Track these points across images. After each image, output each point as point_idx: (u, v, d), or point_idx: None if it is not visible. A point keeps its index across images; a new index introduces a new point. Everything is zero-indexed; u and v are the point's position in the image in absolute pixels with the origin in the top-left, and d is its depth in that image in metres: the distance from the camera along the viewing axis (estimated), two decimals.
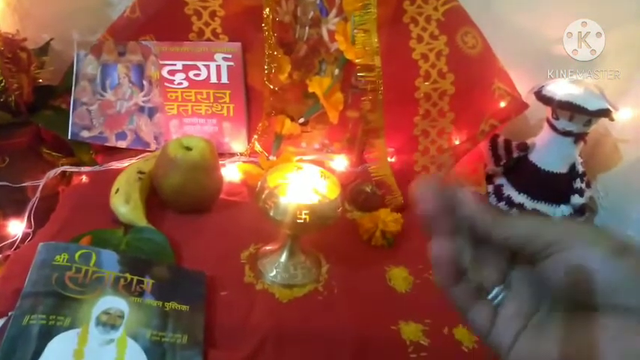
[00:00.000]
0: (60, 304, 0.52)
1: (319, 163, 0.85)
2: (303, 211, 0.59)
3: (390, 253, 0.74)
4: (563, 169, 0.92)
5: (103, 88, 0.87)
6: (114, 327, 0.52)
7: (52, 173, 0.80)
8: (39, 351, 0.47)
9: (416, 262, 0.72)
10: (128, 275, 0.57)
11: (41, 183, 0.80)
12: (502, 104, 0.86)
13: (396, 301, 0.66)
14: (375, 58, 0.78)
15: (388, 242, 0.74)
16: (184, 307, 0.57)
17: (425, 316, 0.64)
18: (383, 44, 0.79)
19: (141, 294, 0.56)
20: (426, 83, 0.82)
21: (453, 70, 0.82)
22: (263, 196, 0.61)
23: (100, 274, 0.56)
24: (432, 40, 0.81)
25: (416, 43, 0.81)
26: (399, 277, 0.69)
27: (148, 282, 0.58)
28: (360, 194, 0.81)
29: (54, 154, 0.84)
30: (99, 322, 0.52)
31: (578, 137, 0.89)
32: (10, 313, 0.52)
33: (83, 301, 0.53)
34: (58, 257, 0.56)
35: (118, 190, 0.71)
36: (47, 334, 0.49)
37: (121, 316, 0.53)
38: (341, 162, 0.90)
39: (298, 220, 0.59)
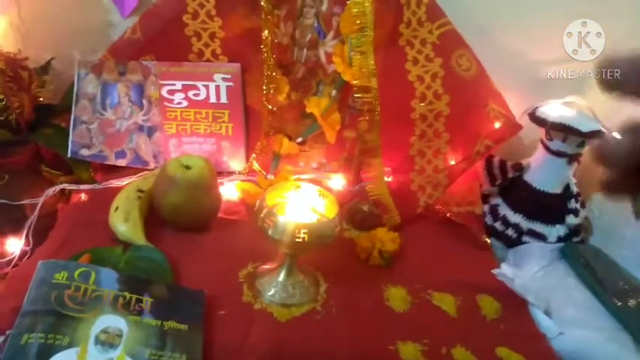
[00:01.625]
0: (59, 322, 0.52)
1: (317, 182, 0.86)
2: (302, 230, 0.59)
3: (388, 272, 0.74)
4: (557, 189, 0.93)
5: (103, 107, 0.88)
6: (112, 346, 0.52)
7: (51, 191, 0.81)
8: None
9: (414, 282, 0.73)
10: (127, 294, 0.57)
11: (40, 201, 0.80)
12: (497, 125, 0.88)
13: (393, 320, 0.67)
14: (371, 80, 0.79)
15: (386, 262, 0.75)
16: (183, 327, 0.57)
17: (423, 336, 0.64)
18: (379, 66, 0.80)
19: (140, 313, 0.56)
20: (422, 104, 0.83)
21: (448, 92, 0.83)
22: (262, 214, 0.62)
23: (99, 293, 0.56)
24: (427, 62, 0.83)
25: (412, 65, 0.83)
26: (396, 297, 0.70)
27: (147, 301, 0.58)
28: (357, 213, 0.82)
29: (53, 172, 0.85)
30: (98, 341, 0.52)
31: (572, 158, 0.91)
32: (7, 332, 0.52)
33: (82, 320, 0.53)
34: (57, 275, 0.56)
35: (117, 208, 0.72)
36: (46, 353, 0.49)
37: (120, 335, 0.53)
38: (338, 181, 0.91)
39: (297, 240, 0.59)
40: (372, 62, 0.79)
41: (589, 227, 0.98)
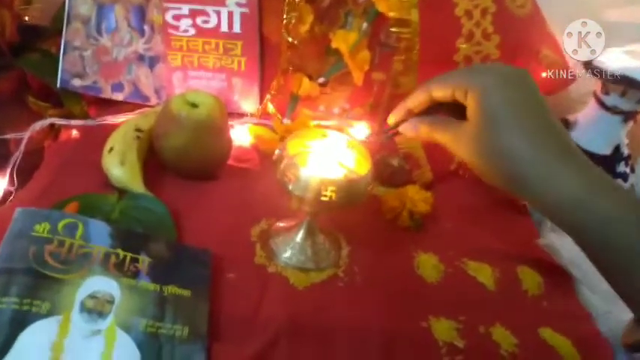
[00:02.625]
0: (37, 284, 0.43)
1: (337, 130, 0.76)
2: (329, 188, 0.50)
3: (418, 236, 0.66)
4: (606, 150, 0.83)
5: (99, 32, 0.77)
6: (101, 315, 0.44)
7: (38, 125, 0.71)
8: (8, 343, 0.39)
9: (446, 248, 0.64)
10: (120, 251, 0.49)
11: (25, 136, 0.70)
12: (549, 74, 0.77)
13: (425, 292, 0.58)
14: (412, 12, 0.68)
15: (416, 224, 0.66)
16: (185, 292, 0.49)
17: (458, 311, 0.56)
18: None
19: (135, 275, 0.48)
20: (466, 45, 0.72)
21: (499, 32, 0.71)
22: (281, 166, 0.52)
23: (87, 250, 0.47)
24: None
25: None
26: (427, 265, 0.61)
27: (144, 260, 0.49)
28: (386, 168, 0.72)
29: (41, 103, 0.74)
30: (84, 308, 0.43)
31: (629, 116, 0.80)
32: None
33: (65, 282, 0.44)
34: (37, 227, 0.47)
35: (112, 148, 0.62)
36: (20, 321, 0.40)
37: (111, 302, 0.45)
38: (362, 130, 0.80)
39: (322, 198, 0.50)
40: None
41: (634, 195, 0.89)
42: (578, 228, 0.37)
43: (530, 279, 0.64)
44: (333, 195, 0.50)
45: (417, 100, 0.45)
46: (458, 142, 0.41)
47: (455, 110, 0.43)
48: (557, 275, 0.64)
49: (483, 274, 0.62)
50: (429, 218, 0.68)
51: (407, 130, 0.47)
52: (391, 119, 0.48)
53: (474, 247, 0.66)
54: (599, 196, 0.36)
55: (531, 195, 0.38)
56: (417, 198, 0.66)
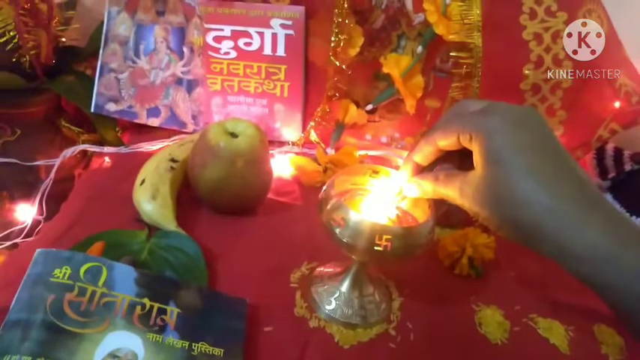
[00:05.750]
0: (53, 340, 0.38)
1: (384, 161, 0.70)
2: (384, 236, 0.43)
3: (479, 286, 0.58)
4: None
5: (136, 54, 0.73)
6: None
7: (70, 152, 0.67)
8: None
9: (512, 301, 0.56)
10: (147, 301, 0.43)
11: (56, 163, 0.67)
12: (627, 104, 0.68)
13: (489, 355, 0.51)
14: (474, 35, 0.61)
15: (476, 272, 0.59)
16: (217, 351, 0.43)
17: None
18: (485, 18, 0.62)
19: (162, 329, 0.42)
20: (534, 72, 0.65)
21: (572, 58, 0.64)
22: (328, 206, 0.46)
23: (111, 299, 0.42)
24: (548, 17, 0.64)
25: (528, 19, 0.64)
26: (492, 322, 0.53)
27: (172, 312, 0.44)
28: (440, 206, 0.65)
29: (74, 128, 0.71)
30: None
31: None
32: None
33: (84, 338, 0.39)
34: (57, 271, 0.42)
35: (143, 181, 0.57)
36: None
37: None
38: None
39: (376, 248, 0.43)
40: (478, 12, 0.61)
41: None
42: (606, 286, 0.34)
43: (610, 340, 0.55)
44: (389, 245, 0.43)
45: (422, 152, 0.42)
46: (465, 193, 0.38)
47: (467, 160, 0.38)
48: None
49: (556, 334, 0.54)
50: (489, 265, 0.60)
51: (410, 192, 0.44)
52: (399, 176, 0.45)
53: (543, 301, 0.57)
54: (631, 252, 0.33)
55: (549, 249, 0.34)
56: (478, 242, 0.59)
